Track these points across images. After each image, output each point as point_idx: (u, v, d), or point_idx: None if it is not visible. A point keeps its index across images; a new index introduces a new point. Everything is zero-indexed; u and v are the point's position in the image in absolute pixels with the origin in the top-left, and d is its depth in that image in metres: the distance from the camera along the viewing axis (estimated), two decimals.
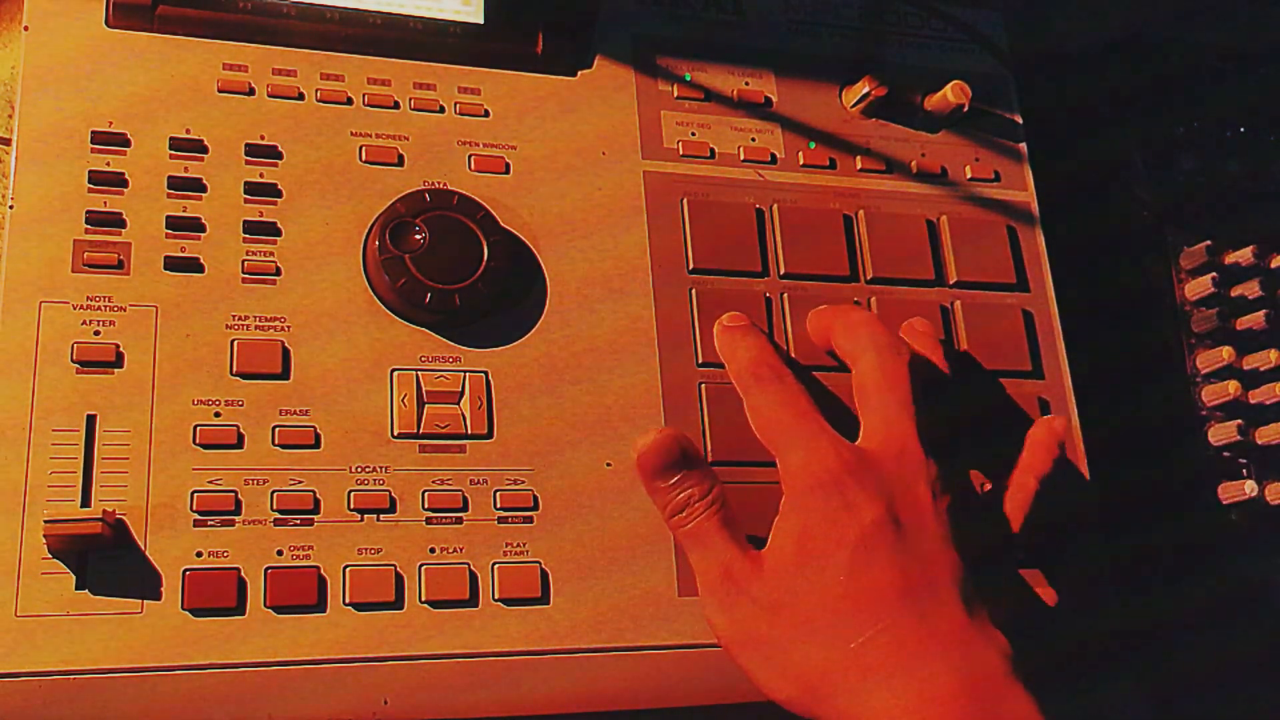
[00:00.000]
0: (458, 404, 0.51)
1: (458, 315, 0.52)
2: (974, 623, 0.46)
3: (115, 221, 0.50)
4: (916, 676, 0.44)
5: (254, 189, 0.52)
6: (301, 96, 0.54)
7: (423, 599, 0.48)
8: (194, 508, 0.47)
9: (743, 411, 0.53)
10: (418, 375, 0.51)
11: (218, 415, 0.49)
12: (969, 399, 0.56)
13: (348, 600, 0.48)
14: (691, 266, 0.57)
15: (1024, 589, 0.54)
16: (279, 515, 0.48)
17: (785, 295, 0.57)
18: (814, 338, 0.56)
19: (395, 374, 0.51)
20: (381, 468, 0.50)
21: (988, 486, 0.55)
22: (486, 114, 0.56)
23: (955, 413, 0.54)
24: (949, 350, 0.57)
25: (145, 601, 0.46)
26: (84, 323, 0.48)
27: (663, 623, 0.51)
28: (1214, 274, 0.64)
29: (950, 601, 0.46)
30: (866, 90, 0.61)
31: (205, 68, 0.53)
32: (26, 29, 0.52)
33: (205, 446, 0.48)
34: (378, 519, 0.49)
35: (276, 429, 0.49)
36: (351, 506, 0.49)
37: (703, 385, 0.55)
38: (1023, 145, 0.65)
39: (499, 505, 0.51)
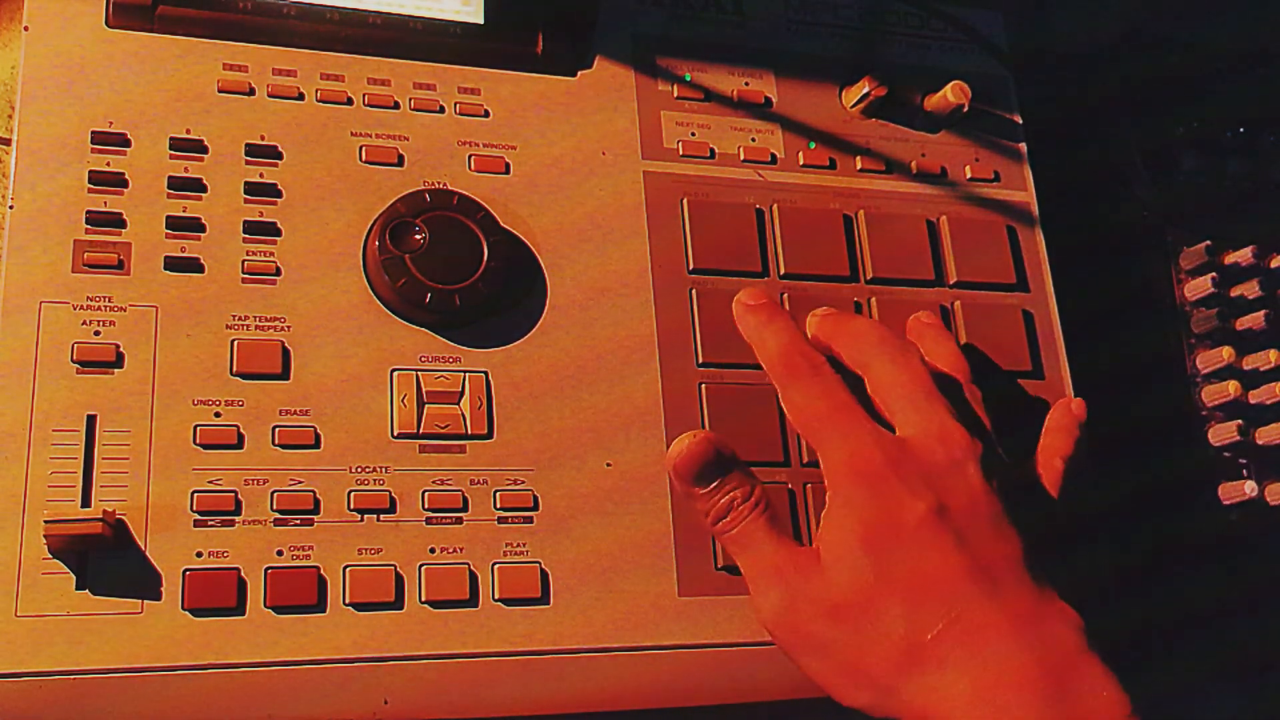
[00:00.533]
0: (458, 404, 0.51)
1: (458, 315, 0.52)
2: (1042, 599, 0.46)
3: (115, 221, 0.50)
4: (992, 661, 0.44)
5: (254, 189, 0.52)
6: (301, 96, 0.54)
7: (423, 599, 0.48)
8: (194, 508, 0.47)
9: (743, 412, 0.54)
10: (418, 375, 0.51)
11: (218, 415, 0.49)
12: (982, 389, 0.56)
13: (348, 600, 0.48)
14: (691, 267, 0.57)
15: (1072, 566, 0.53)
16: (279, 515, 0.48)
17: (785, 295, 0.57)
18: (815, 336, 0.56)
19: (395, 374, 0.51)
20: (381, 468, 0.50)
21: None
22: (486, 114, 0.56)
23: (970, 402, 0.53)
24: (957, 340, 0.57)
25: (145, 601, 0.46)
26: (84, 323, 0.48)
27: (663, 623, 0.51)
28: (1214, 274, 0.64)
29: (1015, 582, 0.45)
30: (866, 90, 0.61)
31: (205, 68, 0.53)
32: (26, 29, 0.52)
33: (205, 446, 0.48)
34: (378, 519, 0.49)
35: (276, 429, 0.49)
36: (351, 506, 0.49)
37: (703, 385, 0.55)
38: (1023, 145, 0.65)
39: (499, 505, 0.51)
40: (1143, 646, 0.59)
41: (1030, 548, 0.47)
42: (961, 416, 0.49)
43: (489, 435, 0.51)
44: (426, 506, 0.50)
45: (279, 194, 0.52)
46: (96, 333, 0.48)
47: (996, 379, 0.59)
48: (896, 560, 0.45)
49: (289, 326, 0.51)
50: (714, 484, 0.49)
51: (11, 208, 0.49)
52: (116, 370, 0.48)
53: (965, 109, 0.62)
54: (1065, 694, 0.43)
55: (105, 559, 0.46)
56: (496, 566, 0.50)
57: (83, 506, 0.46)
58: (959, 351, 0.55)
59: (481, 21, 0.57)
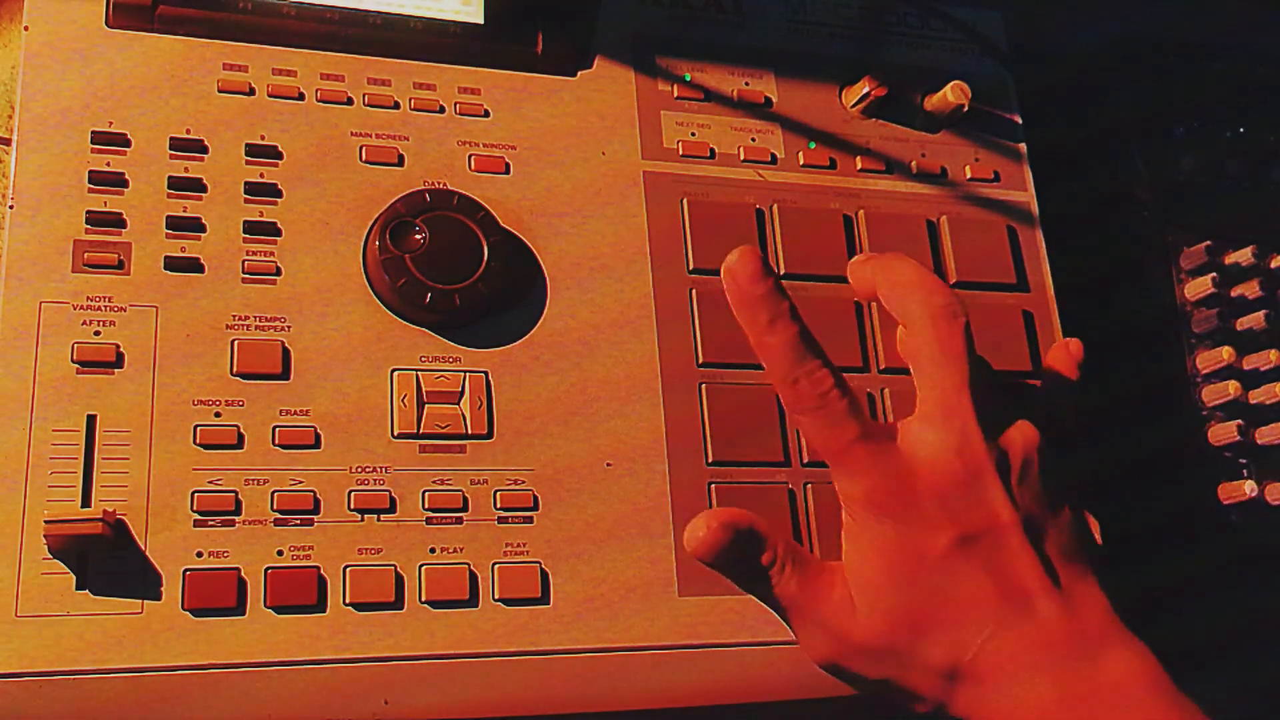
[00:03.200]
0: (458, 404, 0.51)
1: (458, 315, 0.52)
2: (1069, 599, 0.46)
3: (115, 221, 0.50)
4: (1024, 667, 0.45)
5: (254, 189, 0.52)
6: (301, 96, 0.54)
7: (423, 599, 0.48)
8: (194, 508, 0.47)
9: (743, 411, 0.54)
10: (418, 375, 0.51)
11: (218, 415, 0.49)
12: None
13: (348, 600, 0.48)
14: (691, 266, 0.57)
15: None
16: (279, 515, 0.48)
17: None
18: (855, 288, 0.54)
19: (395, 374, 0.51)
20: (381, 468, 0.50)
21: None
22: (486, 114, 0.56)
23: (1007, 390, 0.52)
24: None
25: (145, 601, 0.46)
26: (84, 323, 0.48)
27: (663, 623, 0.51)
28: (1214, 274, 0.64)
29: (1043, 590, 0.46)
30: (866, 90, 0.61)
31: (205, 68, 0.53)
32: (26, 29, 0.52)
33: (205, 446, 0.48)
34: (378, 519, 0.49)
35: (276, 429, 0.49)
36: (351, 506, 0.49)
37: (703, 385, 0.55)
38: (1022, 145, 0.65)
39: (499, 505, 0.51)
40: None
41: (1058, 544, 0.47)
42: (990, 415, 0.48)
43: (489, 435, 0.51)
44: (426, 506, 0.50)
45: (279, 194, 0.52)
46: (96, 333, 0.48)
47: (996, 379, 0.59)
48: (925, 596, 0.46)
49: (289, 326, 0.51)
50: (743, 562, 0.48)
51: (11, 208, 0.49)
52: (116, 370, 0.48)
53: (965, 109, 0.62)
54: (1087, 668, 0.44)
55: (105, 559, 0.46)
56: (496, 566, 0.50)
57: (83, 506, 0.46)
58: (1072, 369, 0.54)
59: (481, 21, 0.57)
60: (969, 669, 0.45)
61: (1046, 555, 0.46)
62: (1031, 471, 0.48)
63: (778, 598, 0.47)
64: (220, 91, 0.53)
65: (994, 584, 0.45)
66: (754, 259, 0.46)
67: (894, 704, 0.48)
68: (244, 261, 0.51)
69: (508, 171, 0.56)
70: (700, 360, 0.55)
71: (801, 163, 0.60)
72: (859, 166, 0.61)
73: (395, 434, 0.50)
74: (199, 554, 0.47)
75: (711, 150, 0.59)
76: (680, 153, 0.59)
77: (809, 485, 0.54)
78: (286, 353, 0.50)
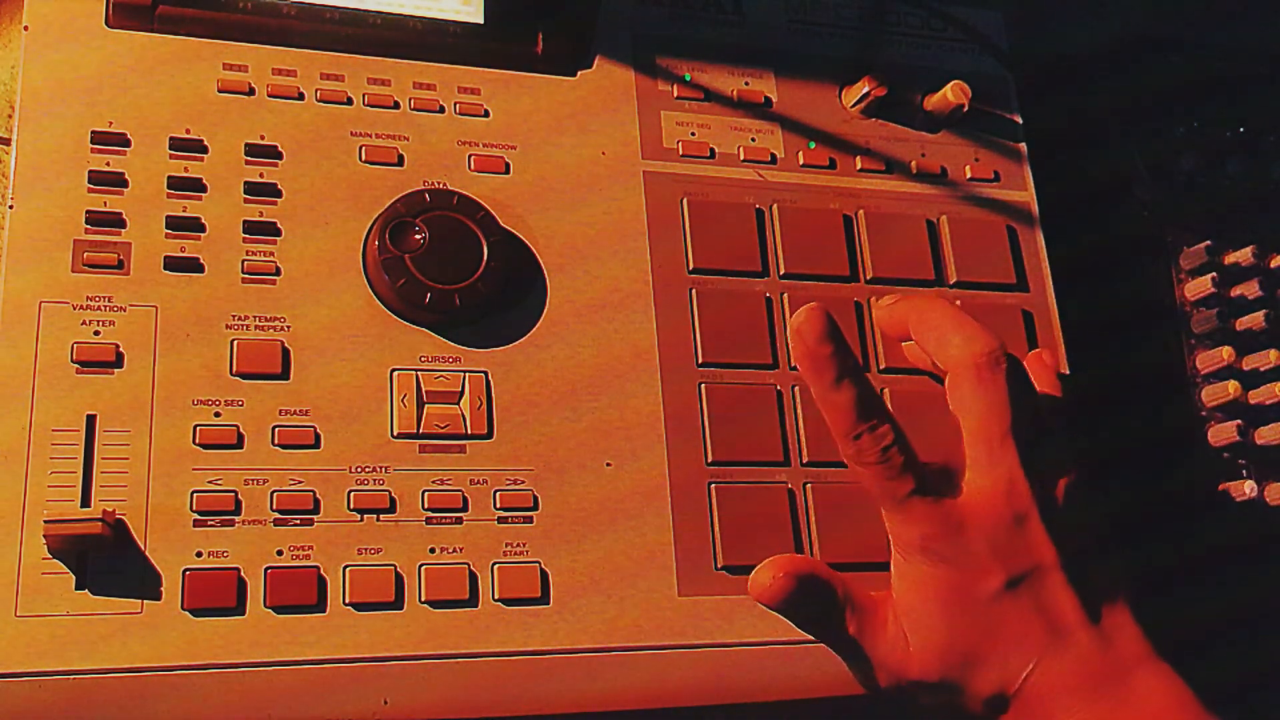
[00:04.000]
0: (458, 404, 0.51)
1: (458, 315, 0.52)
2: (1103, 633, 0.49)
3: (115, 221, 0.50)
4: (1063, 694, 0.48)
5: (254, 189, 0.52)
6: (301, 96, 0.54)
7: (423, 599, 0.48)
8: (194, 508, 0.47)
9: (743, 411, 0.54)
10: (418, 375, 0.51)
11: (218, 415, 0.49)
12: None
13: (348, 600, 0.48)
14: (691, 266, 0.57)
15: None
16: (279, 515, 0.48)
17: (785, 295, 0.57)
18: (884, 328, 0.55)
19: (395, 374, 0.51)
20: (381, 468, 0.50)
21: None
22: (486, 114, 0.56)
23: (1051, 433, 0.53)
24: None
25: (145, 601, 0.46)
26: (84, 323, 0.48)
27: (663, 623, 0.51)
28: (1214, 274, 0.64)
29: (1081, 625, 0.48)
30: (866, 90, 0.61)
31: (205, 68, 0.53)
32: (26, 29, 0.52)
33: (205, 446, 0.48)
34: (378, 519, 0.49)
35: (276, 429, 0.49)
36: (351, 506, 0.49)
37: (703, 385, 0.55)
38: (1022, 145, 0.65)
39: (499, 505, 0.51)
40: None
41: (1098, 585, 0.50)
42: (1033, 458, 0.50)
43: (489, 435, 0.51)
44: (426, 506, 0.50)
45: (279, 194, 0.52)
46: (96, 333, 0.48)
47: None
48: (977, 633, 0.48)
49: (289, 326, 0.51)
50: (811, 610, 0.50)
51: (11, 208, 0.49)
52: (116, 370, 0.48)
53: (965, 109, 0.62)
54: (1121, 694, 0.47)
55: (105, 559, 0.46)
56: (496, 566, 0.50)
57: (82, 506, 0.46)
58: (1054, 380, 0.55)
59: (481, 21, 0.57)
60: (1015, 697, 0.48)
61: (1084, 589, 0.49)
62: (1071, 506, 0.50)
63: (839, 641, 0.50)
64: (220, 91, 0.53)
65: (1039, 620, 0.48)
66: (820, 318, 0.47)
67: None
68: (244, 261, 0.51)
69: (508, 171, 0.56)
70: (700, 360, 0.55)
71: (801, 163, 0.60)
72: (859, 166, 0.61)
73: (395, 434, 0.50)
74: (199, 554, 0.47)
75: (711, 150, 0.59)
76: (680, 152, 0.59)
77: (809, 485, 0.54)
78: (286, 353, 0.50)
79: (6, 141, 0.54)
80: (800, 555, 0.51)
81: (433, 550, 0.49)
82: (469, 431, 0.51)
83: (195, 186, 0.51)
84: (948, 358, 0.50)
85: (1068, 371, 0.61)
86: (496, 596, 0.49)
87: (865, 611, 0.49)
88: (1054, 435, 0.52)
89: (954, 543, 0.48)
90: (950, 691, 0.49)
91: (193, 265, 0.50)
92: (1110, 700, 0.47)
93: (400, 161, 0.54)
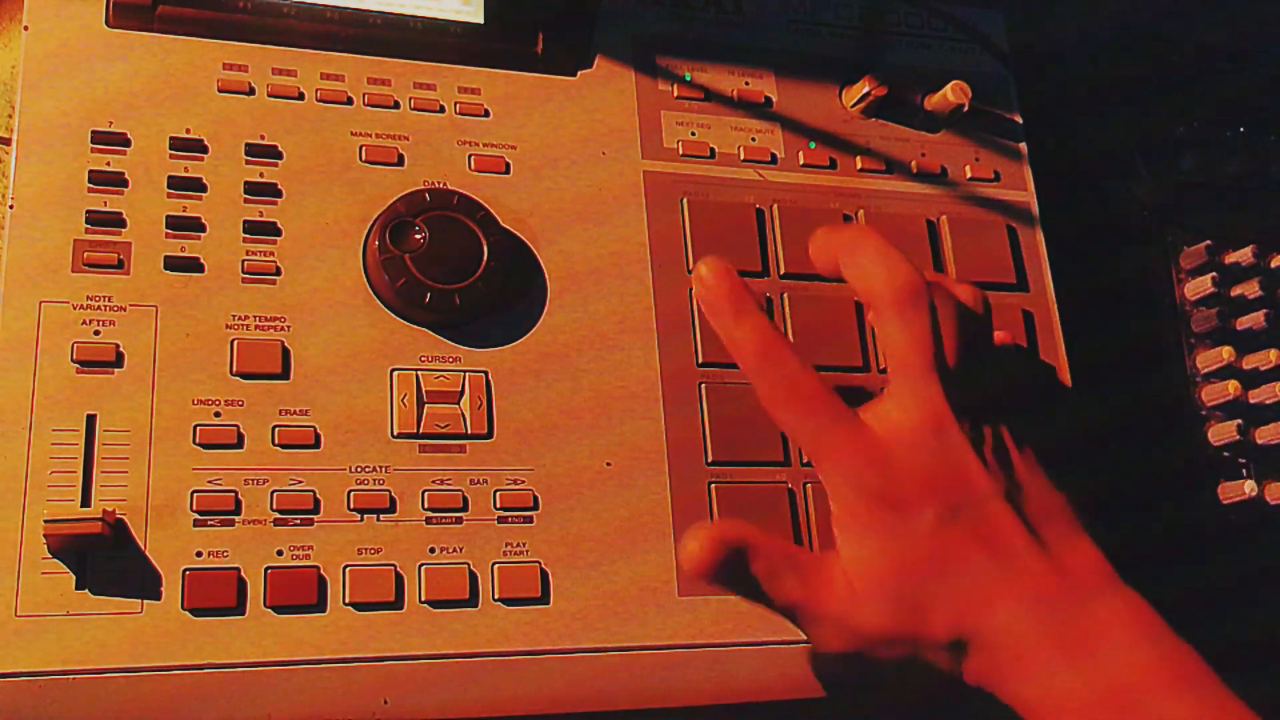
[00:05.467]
0: (458, 404, 0.51)
1: (458, 315, 0.52)
2: (1054, 551, 0.47)
3: (115, 221, 0.50)
4: (1017, 622, 0.46)
5: (254, 189, 0.52)
6: (301, 96, 0.54)
7: (423, 599, 0.48)
8: (194, 508, 0.47)
9: (743, 411, 0.54)
10: (418, 375, 0.51)
11: (218, 415, 0.49)
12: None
13: (348, 600, 0.48)
14: (691, 266, 0.57)
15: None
16: (279, 515, 0.48)
17: (785, 295, 0.57)
18: (815, 262, 0.53)
19: (395, 374, 0.51)
20: (381, 468, 0.50)
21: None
22: (486, 114, 0.57)
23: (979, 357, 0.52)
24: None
25: (145, 601, 0.46)
26: (84, 323, 0.48)
27: (663, 623, 0.51)
28: (1214, 274, 0.64)
29: (1027, 546, 0.47)
30: (866, 90, 0.61)
31: (205, 68, 0.53)
32: (26, 29, 0.52)
33: (205, 446, 0.48)
34: (378, 519, 0.49)
35: (276, 429, 0.49)
36: (351, 506, 0.49)
37: (703, 385, 0.55)
38: (1022, 145, 0.65)
39: (499, 505, 0.51)
40: None
41: (1037, 504, 0.48)
42: (962, 391, 0.49)
43: (489, 435, 0.51)
44: (426, 506, 0.50)
45: (279, 194, 0.52)
46: (96, 332, 0.48)
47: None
48: (922, 577, 0.47)
49: (289, 326, 0.51)
50: (739, 577, 0.48)
51: (11, 208, 0.49)
52: (116, 370, 0.48)
53: (965, 109, 0.62)
54: (1081, 616, 0.46)
55: (105, 559, 0.46)
56: (496, 566, 0.50)
57: (82, 506, 0.46)
58: (978, 298, 0.53)
59: (481, 21, 0.57)
60: (973, 638, 0.46)
61: (1028, 517, 0.48)
62: (1004, 442, 0.49)
63: (782, 604, 0.48)
64: (220, 91, 0.53)
65: (982, 551, 0.47)
66: (719, 261, 0.49)
67: (924, 679, 0.49)
68: (244, 261, 0.51)
69: (508, 171, 0.56)
70: (700, 360, 0.55)
71: (801, 163, 0.61)
72: (859, 166, 0.61)
73: (395, 434, 0.50)
74: (199, 554, 0.47)
75: (711, 150, 0.59)
76: (680, 152, 0.59)
77: (809, 485, 0.54)
78: (286, 353, 0.50)
79: (6, 141, 0.54)
80: (732, 520, 0.49)
81: (433, 550, 0.49)
82: (469, 431, 0.51)
83: (195, 186, 0.51)
84: (870, 292, 0.49)
85: (1067, 370, 0.61)
86: (496, 596, 0.49)
87: (810, 570, 0.48)
88: (986, 367, 0.51)
89: (882, 474, 0.47)
90: (909, 643, 0.47)
91: (193, 265, 0.50)
92: (1072, 628, 0.46)
93: (400, 161, 0.54)
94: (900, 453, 0.47)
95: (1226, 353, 0.63)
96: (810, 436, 0.48)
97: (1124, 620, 0.46)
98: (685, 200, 0.58)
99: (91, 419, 0.47)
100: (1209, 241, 0.65)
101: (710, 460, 0.54)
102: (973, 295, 0.53)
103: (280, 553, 0.48)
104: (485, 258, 0.52)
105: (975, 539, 0.47)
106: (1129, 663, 0.45)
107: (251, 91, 0.53)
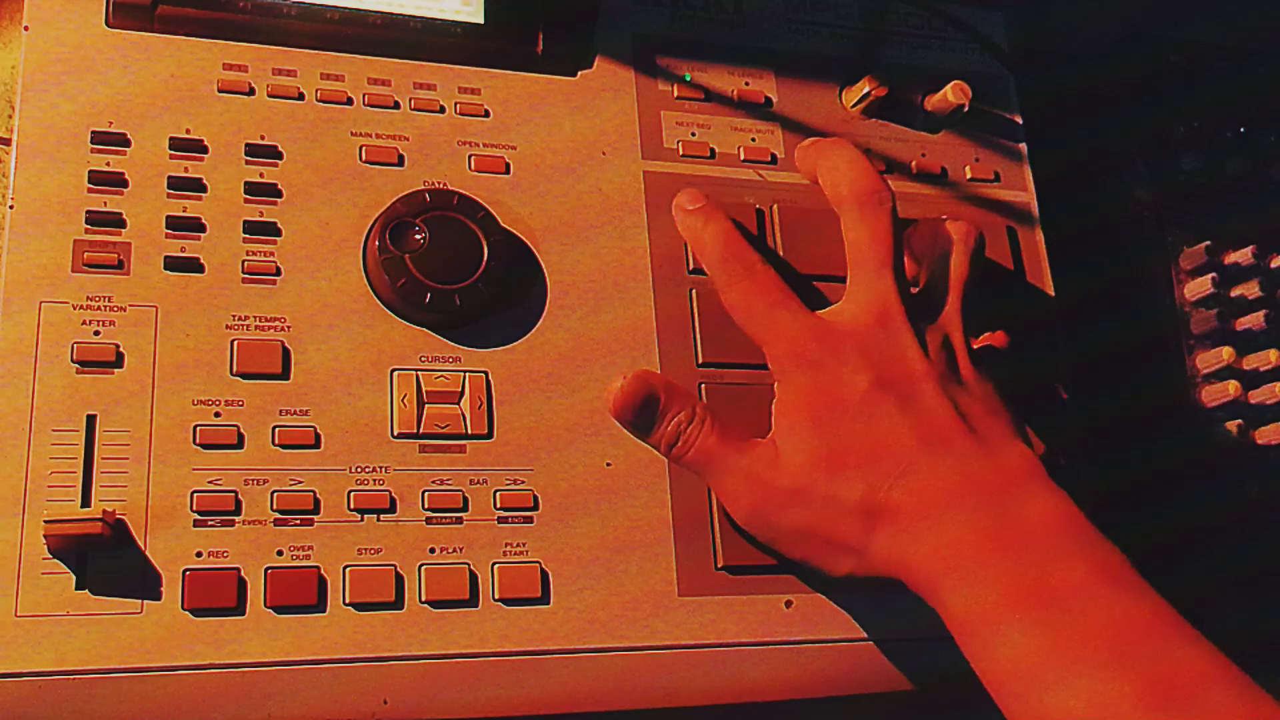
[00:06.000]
0: (458, 404, 0.51)
1: (458, 315, 0.52)
2: (988, 441, 0.48)
3: (115, 221, 0.50)
4: (940, 499, 0.47)
5: (254, 189, 0.52)
6: (301, 96, 0.54)
7: (423, 599, 0.48)
8: (194, 508, 0.47)
9: (743, 411, 0.54)
10: (418, 375, 0.51)
11: (218, 415, 0.49)
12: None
13: (348, 600, 0.48)
14: (691, 266, 0.57)
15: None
16: (279, 515, 0.48)
17: None
18: (800, 169, 0.57)
19: (395, 374, 0.51)
20: (381, 468, 0.50)
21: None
22: (486, 114, 0.57)
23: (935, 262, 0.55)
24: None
25: (145, 601, 0.46)
26: (84, 323, 0.48)
27: (663, 623, 0.51)
28: (1214, 274, 0.64)
29: (959, 432, 0.48)
30: (866, 90, 0.61)
31: (205, 68, 0.53)
32: (26, 29, 0.52)
33: (205, 446, 0.48)
34: (378, 519, 0.49)
35: (276, 429, 0.49)
36: (351, 506, 0.49)
37: (703, 385, 0.55)
38: (1023, 145, 0.65)
39: (499, 505, 0.51)
40: None
41: (975, 401, 0.50)
42: (915, 296, 0.52)
43: (489, 435, 0.51)
44: (426, 506, 0.50)
45: (279, 194, 0.52)
46: (96, 332, 0.48)
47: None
48: (845, 435, 0.48)
49: (289, 326, 0.51)
50: (655, 415, 0.50)
51: (11, 208, 0.49)
52: (116, 370, 0.48)
53: (965, 109, 0.62)
54: (1008, 510, 0.46)
55: (105, 559, 0.46)
56: (496, 566, 0.50)
57: (82, 506, 0.46)
58: (967, 232, 0.56)
59: (481, 21, 0.57)
60: (884, 505, 0.47)
61: (964, 409, 0.49)
62: (953, 345, 0.51)
63: (697, 451, 0.50)
64: (220, 91, 0.53)
65: (910, 425, 0.48)
66: (694, 189, 0.56)
67: (820, 563, 0.49)
68: (244, 261, 0.51)
69: (508, 171, 0.56)
70: (700, 360, 0.55)
71: None
72: None
73: (395, 434, 0.50)
74: (199, 554, 0.47)
75: (711, 150, 0.59)
76: (680, 153, 0.59)
77: None
78: (286, 353, 0.50)
79: (6, 141, 0.54)
80: (660, 375, 0.51)
81: (433, 550, 0.49)
82: (469, 431, 0.51)
83: (195, 186, 0.51)
84: (838, 196, 0.53)
85: (1067, 373, 0.61)
86: (496, 596, 0.49)
87: (731, 430, 0.50)
88: (944, 290, 0.53)
89: (824, 344, 0.49)
90: (819, 503, 0.48)
91: (193, 265, 0.50)
92: (990, 513, 0.46)
93: (400, 161, 0.54)
94: (844, 329, 0.50)
95: (1226, 353, 0.63)
96: (761, 315, 0.51)
97: (1053, 518, 0.46)
98: None
99: (91, 419, 0.47)
100: (1209, 242, 0.65)
101: None
102: (962, 230, 0.56)
103: (280, 553, 0.48)
104: (485, 258, 0.52)
105: (903, 411, 0.48)
106: (1057, 561, 0.45)
107: (251, 92, 0.53)
